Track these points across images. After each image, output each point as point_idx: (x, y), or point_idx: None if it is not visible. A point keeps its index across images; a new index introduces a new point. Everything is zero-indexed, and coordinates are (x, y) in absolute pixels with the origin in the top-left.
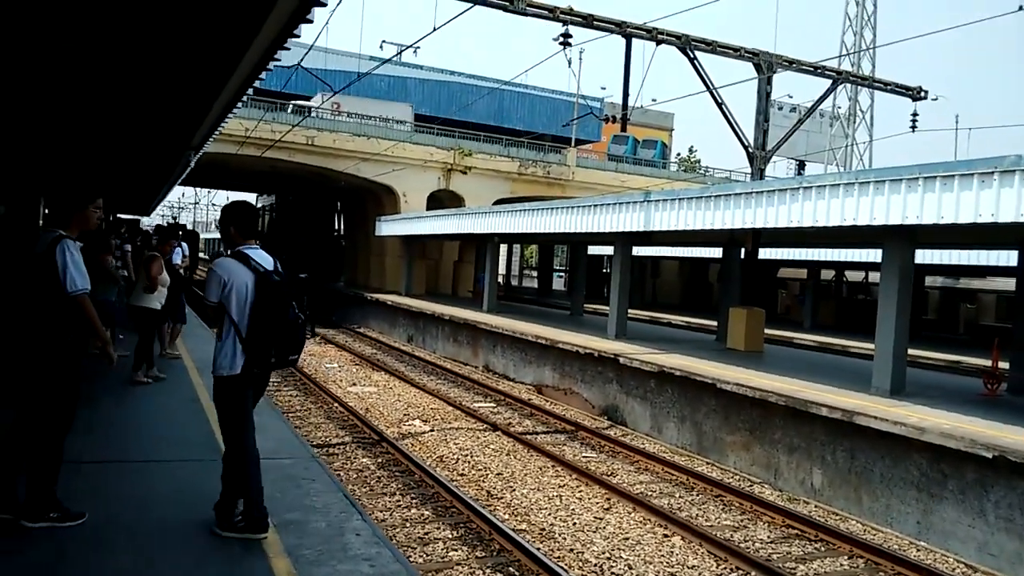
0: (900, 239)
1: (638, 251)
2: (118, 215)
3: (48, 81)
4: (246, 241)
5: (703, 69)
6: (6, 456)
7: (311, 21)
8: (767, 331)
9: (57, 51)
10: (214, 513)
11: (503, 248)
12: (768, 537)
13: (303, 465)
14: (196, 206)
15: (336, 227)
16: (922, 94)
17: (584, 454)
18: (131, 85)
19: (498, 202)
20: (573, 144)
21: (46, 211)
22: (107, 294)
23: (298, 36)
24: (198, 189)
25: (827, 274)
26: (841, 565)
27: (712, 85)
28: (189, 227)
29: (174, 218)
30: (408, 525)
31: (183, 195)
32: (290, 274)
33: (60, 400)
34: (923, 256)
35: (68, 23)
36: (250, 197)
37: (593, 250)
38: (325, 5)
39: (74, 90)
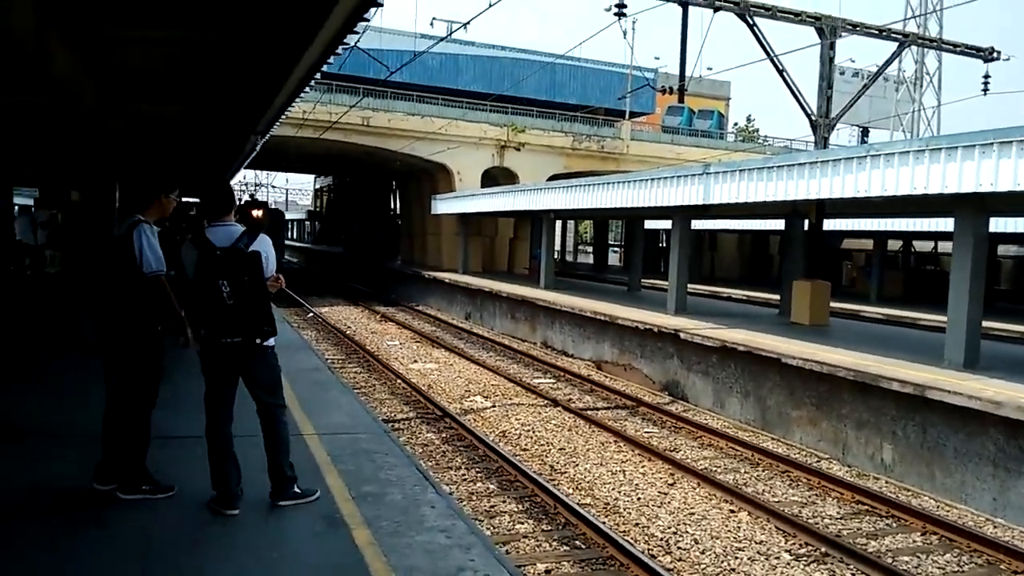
0: (972, 208)
1: (696, 224)
2: (183, 198)
3: (125, 70)
4: (218, 219)
5: (763, 36)
6: (103, 432)
7: (381, 5)
8: (832, 304)
9: (133, 46)
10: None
11: (558, 224)
12: (837, 513)
13: (377, 440)
14: (259, 188)
15: (392, 206)
16: (994, 55)
17: (646, 429)
18: (206, 73)
19: (552, 178)
20: (627, 117)
21: (119, 196)
22: None
23: (368, 20)
24: (258, 172)
25: (894, 244)
26: (914, 541)
27: (773, 52)
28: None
29: (251, 195)
30: (475, 499)
31: (244, 177)
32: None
33: (145, 376)
34: (996, 224)
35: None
36: (308, 179)
37: (649, 224)
38: None
39: (148, 78)
